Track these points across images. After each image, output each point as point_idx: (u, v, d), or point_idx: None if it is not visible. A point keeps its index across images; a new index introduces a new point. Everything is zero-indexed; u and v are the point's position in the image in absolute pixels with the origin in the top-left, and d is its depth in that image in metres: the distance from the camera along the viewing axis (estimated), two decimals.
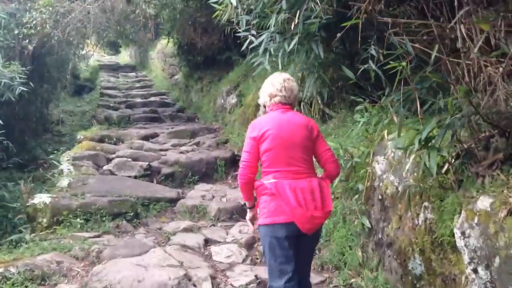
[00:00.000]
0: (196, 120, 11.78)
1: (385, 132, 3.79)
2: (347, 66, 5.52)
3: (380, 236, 3.66)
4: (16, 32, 9.78)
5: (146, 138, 9.54)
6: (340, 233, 4.19)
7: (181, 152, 8.34)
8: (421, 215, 3.09)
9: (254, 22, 5.32)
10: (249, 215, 3.24)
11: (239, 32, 5.57)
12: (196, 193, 6.61)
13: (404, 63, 2.94)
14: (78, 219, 5.33)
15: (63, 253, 4.46)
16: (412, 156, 3.00)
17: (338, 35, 4.00)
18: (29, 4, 10.01)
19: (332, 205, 3.04)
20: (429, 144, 2.77)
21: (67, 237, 5.01)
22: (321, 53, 4.73)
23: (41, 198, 5.41)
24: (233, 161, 7.79)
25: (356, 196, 3.94)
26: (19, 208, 6.79)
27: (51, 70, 12.47)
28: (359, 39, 3.84)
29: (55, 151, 10.19)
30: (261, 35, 5.16)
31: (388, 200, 3.54)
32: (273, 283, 2.95)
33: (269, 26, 4.97)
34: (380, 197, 3.64)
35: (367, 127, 4.05)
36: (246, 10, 5.51)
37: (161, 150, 8.50)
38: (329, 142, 4.57)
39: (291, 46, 4.77)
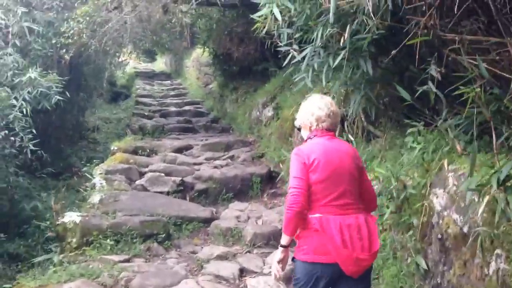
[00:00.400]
0: (231, 131, 11.51)
1: (445, 161, 3.38)
2: (397, 83, 5.17)
3: (439, 280, 3.25)
4: (53, 41, 9.76)
5: (179, 150, 9.33)
6: (390, 271, 3.78)
7: (215, 167, 8.07)
8: (493, 264, 2.68)
9: (296, 36, 5.00)
10: (280, 255, 2.82)
11: (279, 44, 5.27)
12: (231, 213, 6.30)
13: (477, 89, 2.54)
14: (108, 240, 5.10)
15: (91, 280, 4.22)
16: (486, 198, 2.58)
17: (393, 52, 3.61)
18: (66, 14, 9.99)
19: (379, 243, 2.82)
20: (508, 185, 2.37)
21: (96, 260, 4.79)
22: (370, 70, 4.35)
23: (71, 217, 5.22)
24: (269, 178, 7.47)
25: (410, 232, 3.53)
26: (50, 220, 6.65)
27: (88, 79, 12.54)
28: (417, 57, 3.46)
29: (90, 161, 10.15)
30: (303, 50, 4.83)
31: (450, 241, 3.13)
32: None
33: (312, 40, 4.63)
34: (439, 236, 3.24)
35: (422, 154, 3.63)
36: (287, 23, 5.19)
37: (194, 164, 8.25)
38: (378, 168, 4.22)
39: (336, 62, 4.41)
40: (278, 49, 5.22)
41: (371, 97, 5.02)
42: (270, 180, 7.46)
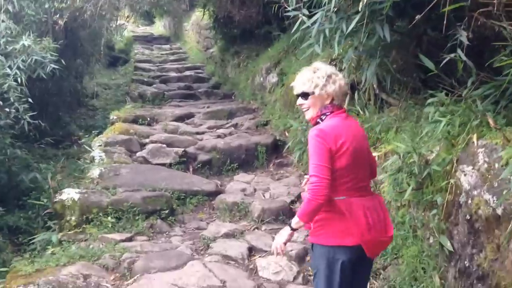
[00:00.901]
0: (233, 97, 11.17)
1: (474, 136, 3.09)
2: (414, 48, 4.82)
3: (466, 263, 3.00)
4: (47, 6, 9.31)
5: (181, 118, 9.04)
6: (410, 251, 3.54)
7: (219, 136, 7.79)
8: None
9: None
10: (287, 237, 2.64)
11: (287, 9, 4.90)
12: (236, 186, 6.06)
13: None
14: (109, 218, 4.87)
15: (91, 262, 4.01)
16: None
17: (418, 16, 3.25)
18: None
19: (393, 228, 2.72)
20: None
21: (96, 239, 4.57)
22: (388, 35, 3.99)
23: (69, 194, 4.97)
24: (274, 147, 7.20)
25: (434, 211, 3.27)
26: (48, 195, 6.43)
27: (84, 44, 12.07)
28: (445, 21, 3.12)
29: (89, 129, 9.87)
30: (313, 14, 4.46)
31: (480, 223, 2.87)
32: None
33: (325, 3, 4.26)
34: (468, 217, 2.98)
35: (447, 127, 3.33)
36: None
37: (197, 133, 7.97)
38: (398, 143, 3.93)
39: (350, 27, 4.06)
40: (286, 13, 4.84)
41: (386, 64, 4.69)
42: (276, 150, 7.19)
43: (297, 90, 2.67)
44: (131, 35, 20.77)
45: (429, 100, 3.84)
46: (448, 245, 3.16)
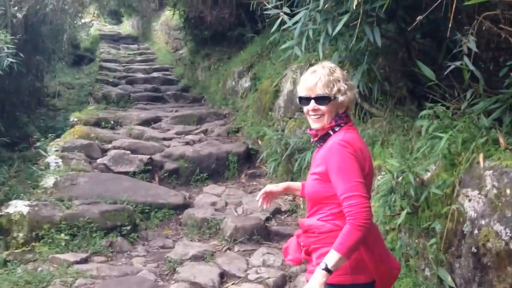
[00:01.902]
0: (203, 101, 10.68)
1: (480, 155, 2.74)
2: (403, 56, 4.48)
3: None
4: None
5: (147, 122, 8.50)
6: (403, 283, 3.16)
7: (187, 143, 7.30)
8: None
9: None
10: (322, 279, 1.97)
11: (266, 7, 4.51)
12: (206, 198, 5.59)
13: None
14: (62, 235, 4.33)
15: None
16: None
17: (419, 17, 2.89)
18: None
19: None
20: None
21: (47, 260, 4.02)
22: (378, 39, 3.63)
23: (17, 207, 4.39)
24: (247, 157, 6.76)
25: (433, 240, 2.90)
26: None
27: (45, 41, 11.39)
28: (449, 25, 2.76)
29: (49, 131, 9.21)
30: (295, 14, 4.06)
31: (489, 258, 2.52)
32: None
33: (309, 1, 3.87)
34: (474, 249, 2.62)
35: (449, 144, 2.97)
36: None
37: (164, 139, 7.46)
38: (387, 159, 3.58)
39: (337, 29, 3.68)
40: (266, 12, 4.43)
41: (372, 71, 4.33)
42: (248, 159, 6.76)
43: (311, 92, 2.17)
44: (97, 34, 20.03)
45: (423, 113, 3.48)
46: (448, 279, 2.80)
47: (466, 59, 2.80)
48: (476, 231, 2.62)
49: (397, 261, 2.28)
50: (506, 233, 2.42)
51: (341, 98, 2.14)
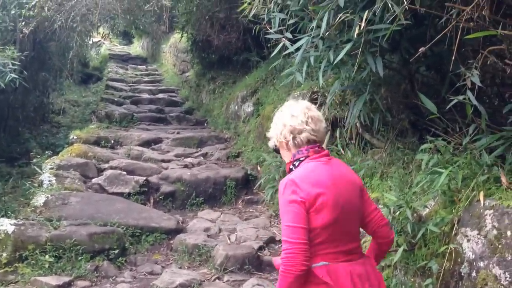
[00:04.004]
0: (205, 124, 10.63)
1: (481, 194, 2.60)
2: (406, 88, 4.38)
3: None
4: (13, 12, 8.70)
5: (148, 143, 8.42)
6: None
7: (186, 166, 7.19)
8: None
9: (290, 22, 4.16)
10: None
11: (268, 31, 4.44)
12: (200, 224, 5.43)
13: None
14: (47, 256, 4.19)
15: None
16: None
17: (422, 49, 2.79)
18: None
19: None
20: None
21: (28, 283, 3.87)
22: (380, 69, 3.52)
23: (2, 225, 4.26)
24: (245, 182, 6.62)
25: (429, 280, 2.74)
26: None
27: (53, 58, 11.46)
28: (453, 57, 2.66)
29: (50, 148, 9.17)
30: (298, 40, 3.98)
31: None
32: None
33: (312, 28, 3.80)
34: None
35: (448, 181, 2.83)
36: (279, 6, 4.35)
37: (162, 160, 7.36)
38: (384, 192, 3.45)
39: (339, 57, 3.59)
40: (268, 36, 4.37)
41: (374, 102, 4.23)
42: (246, 185, 6.62)
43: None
44: (107, 53, 20.21)
45: (423, 146, 3.37)
46: None
47: (469, 93, 2.69)
48: (474, 274, 2.46)
49: None
50: (506, 277, 2.26)
51: (272, 144, 2.32)
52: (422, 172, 3.21)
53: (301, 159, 2.18)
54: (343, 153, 4.94)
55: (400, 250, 2.89)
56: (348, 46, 3.48)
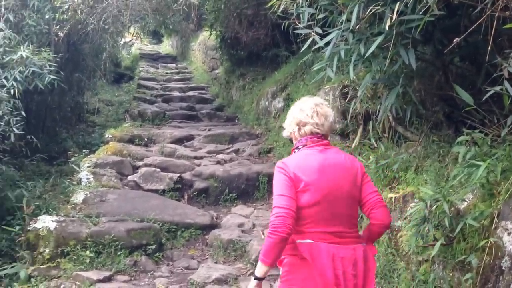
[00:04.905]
0: (236, 121, 10.69)
1: None
2: (440, 80, 4.32)
3: None
4: (47, 16, 8.93)
5: (180, 140, 8.54)
6: None
7: (218, 162, 7.27)
8: None
9: (320, 16, 4.14)
10: (252, 285, 2.31)
11: (297, 26, 4.44)
12: (233, 219, 5.50)
13: None
14: (88, 252, 4.33)
15: None
16: None
17: (456, 39, 2.75)
18: None
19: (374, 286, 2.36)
20: None
21: (70, 277, 4.01)
22: (413, 62, 3.48)
23: (45, 222, 4.43)
24: None
25: (468, 275, 2.71)
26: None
27: (86, 59, 11.73)
28: (489, 48, 2.61)
29: (86, 146, 9.38)
30: (327, 34, 3.97)
31: None
32: None
33: (341, 21, 3.78)
34: None
35: (487, 174, 2.78)
36: (308, 1, 4.34)
37: (195, 157, 7.46)
38: (420, 186, 3.41)
39: (370, 50, 3.56)
40: (296, 31, 4.36)
41: (407, 94, 4.18)
42: None
43: None
44: (138, 53, 20.53)
45: (460, 139, 3.30)
46: None
47: (506, 83, 2.64)
48: None
49: None
50: None
51: (286, 135, 2.60)
52: (459, 165, 3.15)
53: (299, 147, 2.43)
54: (376, 147, 4.90)
55: (438, 244, 2.86)
56: (379, 39, 3.45)
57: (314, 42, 4.10)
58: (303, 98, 2.62)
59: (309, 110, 2.45)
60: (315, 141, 2.40)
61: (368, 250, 2.38)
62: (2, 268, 4.35)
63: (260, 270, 2.26)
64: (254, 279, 2.29)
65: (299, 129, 2.44)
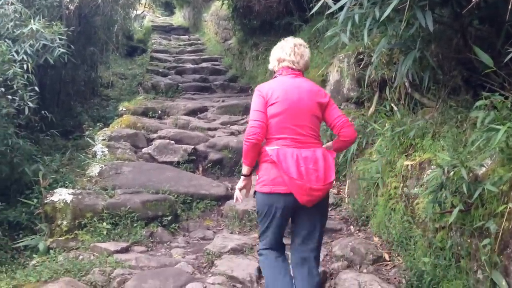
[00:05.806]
0: (250, 91, 10.58)
1: None
2: (458, 43, 4.18)
3: None
4: None
5: (193, 112, 8.52)
6: (453, 285, 2.94)
7: (232, 133, 7.24)
8: None
9: None
10: (241, 183, 3.07)
11: None
12: None
13: None
14: (105, 223, 4.36)
15: (77, 279, 3.47)
16: None
17: (475, 0, 2.62)
18: None
19: (334, 177, 2.89)
20: None
21: (88, 248, 4.06)
22: (430, 24, 3.37)
23: (61, 195, 4.47)
24: None
25: (486, 241, 2.66)
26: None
27: (98, 32, 11.64)
28: (509, 8, 2.49)
29: (101, 120, 9.40)
30: None
31: None
32: (263, 246, 2.98)
33: None
34: None
35: (507, 138, 2.70)
36: None
37: (209, 129, 7.43)
38: (437, 152, 3.34)
39: (386, 13, 3.45)
40: None
41: (423, 59, 4.06)
42: None
43: None
44: (150, 25, 20.36)
45: (478, 103, 3.20)
46: (503, 284, 2.55)
47: None
48: None
49: (328, 180, 2.81)
50: None
51: (269, 67, 3.19)
52: (477, 130, 3.06)
53: (276, 76, 3.04)
54: (392, 114, 4.82)
55: (456, 210, 2.81)
56: (395, 1, 3.34)
57: (328, 7, 3.99)
58: (286, 38, 3.20)
59: (288, 49, 3.04)
60: (289, 72, 2.99)
61: (328, 152, 2.91)
62: (21, 240, 4.43)
63: (243, 169, 2.99)
64: (241, 175, 3.02)
65: (278, 64, 3.06)
